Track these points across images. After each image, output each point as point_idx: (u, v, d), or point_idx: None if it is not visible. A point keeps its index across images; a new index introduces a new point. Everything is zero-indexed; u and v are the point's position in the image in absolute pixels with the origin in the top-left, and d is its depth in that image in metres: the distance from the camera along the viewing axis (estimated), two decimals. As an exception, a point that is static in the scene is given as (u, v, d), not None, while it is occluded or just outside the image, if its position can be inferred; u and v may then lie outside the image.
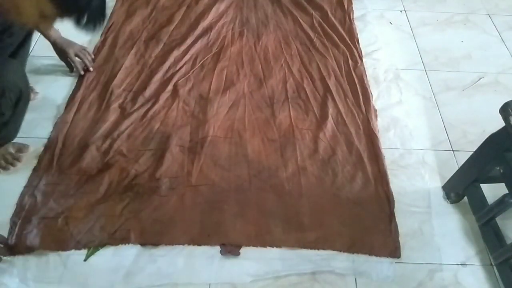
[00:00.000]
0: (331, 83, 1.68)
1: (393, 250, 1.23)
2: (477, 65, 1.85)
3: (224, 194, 1.32)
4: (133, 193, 1.30)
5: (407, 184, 1.41)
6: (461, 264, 1.23)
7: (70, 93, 1.60)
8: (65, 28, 1.86)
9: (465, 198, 1.32)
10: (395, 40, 1.94)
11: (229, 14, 1.97)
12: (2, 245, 1.15)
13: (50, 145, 1.42)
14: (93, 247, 1.19)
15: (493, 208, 1.17)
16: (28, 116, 1.51)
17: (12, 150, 1.37)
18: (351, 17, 2.00)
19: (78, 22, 0.91)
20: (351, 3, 2.07)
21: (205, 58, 1.75)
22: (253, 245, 1.22)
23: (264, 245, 1.22)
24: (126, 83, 1.64)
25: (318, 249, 1.22)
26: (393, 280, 1.18)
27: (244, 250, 1.21)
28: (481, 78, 1.78)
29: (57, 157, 1.39)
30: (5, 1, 0.86)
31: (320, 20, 1.96)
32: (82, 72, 1.65)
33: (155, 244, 1.21)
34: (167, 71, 1.69)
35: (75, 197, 1.29)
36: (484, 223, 1.22)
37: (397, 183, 1.40)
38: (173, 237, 1.22)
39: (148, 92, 1.60)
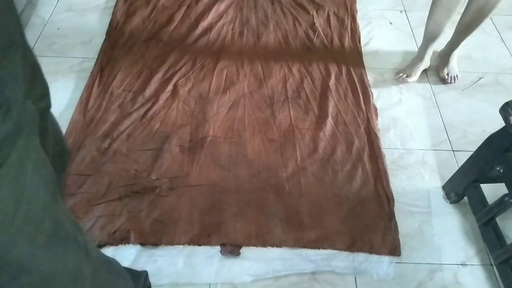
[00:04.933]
0: (331, 83, 1.68)
1: (393, 248, 1.23)
2: (477, 65, 1.84)
3: (224, 194, 1.32)
4: (133, 193, 1.30)
5: (407, 184, 1.41)
6: (461, 264, 1.23)
7: (71, 94, 1.60)
8: (65, 27, 1.87)
9: (465, 198, 1.32)
10: (395, 40, 1.94)
11: (229, 14, 1.97)
12: None
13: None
14: (93, 247, 1.19)
15: (493, 208, 1.17)
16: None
17: None
18: (355, 17, 2.00)
19: None
20: (355, 2, 2.07)
21: (205, 58, 1.75)
22: (253, 245, 1.22)
23: (264, 245, 1.22)
24: (126, 83, 1.64)
25: (318, 249, 1.22)
26: (393, 280, 1.18)
27: (244, 250, 1.21)
28: (481, 78, 1.78)
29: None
30: None
31: (320, 19, 1.96)
32: None
33: (155, 244, 1.21)
34: (167, 71, 1.69)
35: (75, 197, 1.29)
36: (484, 223, 1.22)
37: (397, 183, 1.40)
38: (173, 237, 1.22)
39: (148, 92, 1.60)
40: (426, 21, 1.61)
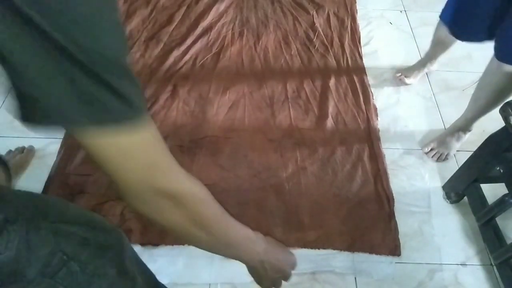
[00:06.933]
0: (331, 82, 1.68)
1: (393, 249, 1.23)
2: (477, 65, 1.84)
3: (224, 194, 1.32)
4: (133, 193, 1.30)
5: (407, 184, 1.41)
6: (461, 264, 1.23)
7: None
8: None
9: (465, 198, 1.32)
10: (395, 40, 1.94)
11: (229, 14, 1.97)
12: None
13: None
14: (93, 247, 1.19)
15: (493, 208, 1.17)
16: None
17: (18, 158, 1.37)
18: (355, 16, 2.00)
19: None
20: (355, 2, 2.07)
21: (205, 58, 1.75)
22: (253, 245, 1.22)
23: (264, 245, 1.22)
24: (126, 83, 1.64)
25: (318, 249, 1.22)
26: (393, 280, 1.18)
27: (244, 250, 1.21)
28: (481, 78, 1.78)
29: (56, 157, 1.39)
30: None
31: (320, 19, 1.96)
32: None
33: (155, 244, 1.21)
34: (167, 71, 1.69)
35: (74, 198, 1.29)
36: (484, 223, 1.22)
37: (397, 183, 1.40)
38: (174, 237, 1.22)
39: (148, 92, 1.60)
40: (433, 32, 1.54)
